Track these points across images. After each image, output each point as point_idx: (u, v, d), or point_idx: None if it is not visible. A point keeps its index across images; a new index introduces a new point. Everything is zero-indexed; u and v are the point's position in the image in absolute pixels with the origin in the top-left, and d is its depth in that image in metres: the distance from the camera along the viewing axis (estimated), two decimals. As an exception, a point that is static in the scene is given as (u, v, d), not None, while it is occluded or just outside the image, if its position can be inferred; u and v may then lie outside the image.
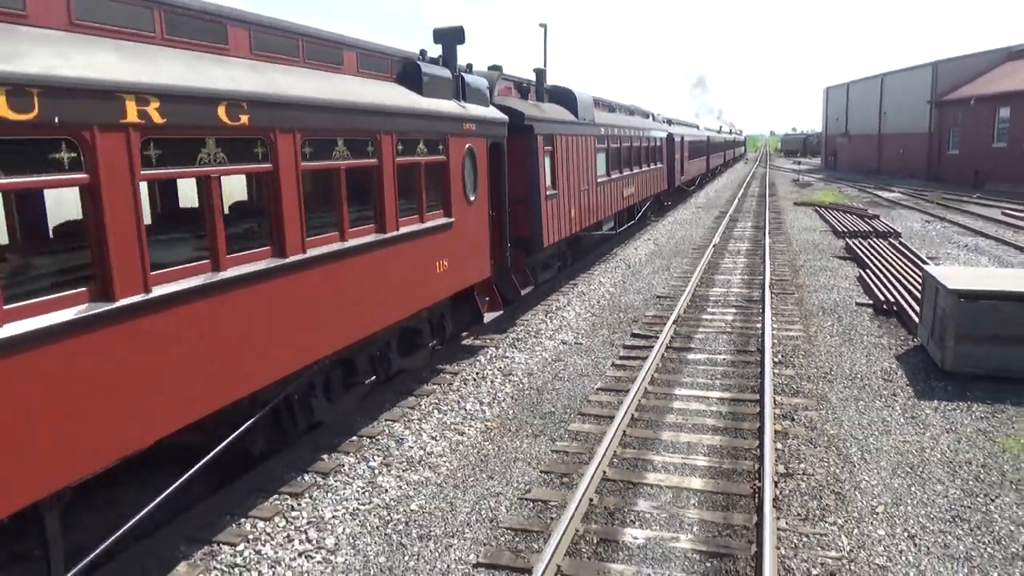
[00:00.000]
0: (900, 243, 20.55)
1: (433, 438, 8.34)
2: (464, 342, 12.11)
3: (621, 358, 11.04)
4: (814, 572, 5.48)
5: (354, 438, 8.34)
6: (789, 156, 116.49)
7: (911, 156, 54.91)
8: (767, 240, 21.80)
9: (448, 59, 10.09)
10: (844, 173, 63.33)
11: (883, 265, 16.99)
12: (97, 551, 4.96)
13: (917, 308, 12.12)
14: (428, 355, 10.17)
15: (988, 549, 5.76)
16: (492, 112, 11.14)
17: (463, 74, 10.25)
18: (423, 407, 9.30)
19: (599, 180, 18.15)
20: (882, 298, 13.69)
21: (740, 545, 5.84)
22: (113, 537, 5.09)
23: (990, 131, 44.38)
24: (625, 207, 21.98)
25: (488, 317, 11.56)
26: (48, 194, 7.45)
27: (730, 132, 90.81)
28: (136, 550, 5.81)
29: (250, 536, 6.29)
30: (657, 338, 11.67)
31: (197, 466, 5.86)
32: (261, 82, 6.09)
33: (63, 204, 6.91)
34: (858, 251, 19.35)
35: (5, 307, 4.15)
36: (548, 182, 14.02)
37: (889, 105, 60.13)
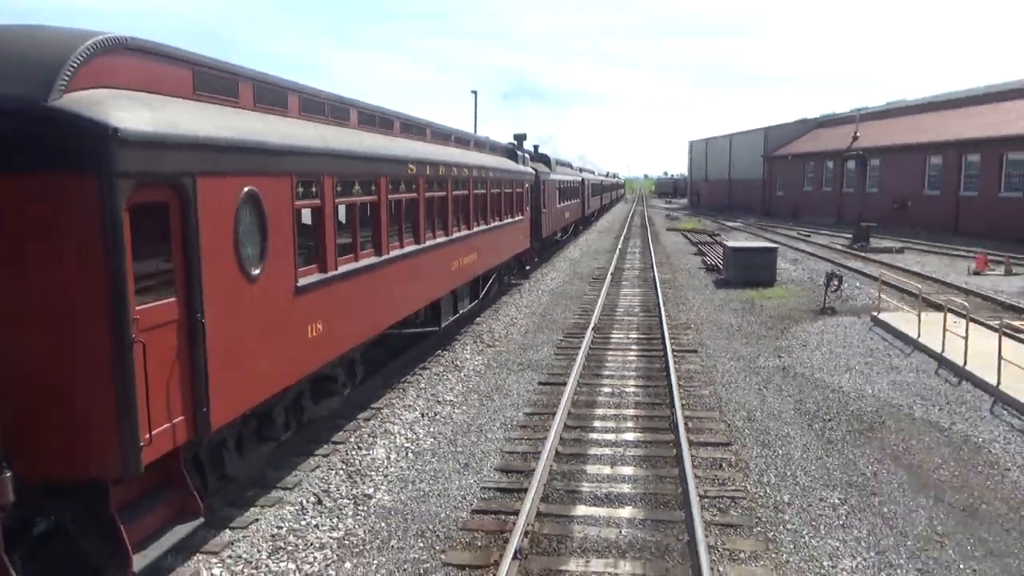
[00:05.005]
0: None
1: (530, 301, 20.78)
2: (513, 282, 24.53)
3: (590, 285, 23.85)
4: (675, 312, 18.47)
5: (502, 299, 20.65)
6: (663, 197, 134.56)
7: (751, 196, 71.85)
8: (651, 246, 35.53)
9: (519, 145, 22.77)
10: (705, 209, 79.99)
11: (714, 253, 30.88)
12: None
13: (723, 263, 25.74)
14: (510, 277, 22.61)
15: (726, 314, 18.89)
16: (530, 170, 23.85)
17: (526, 153, 22.91)
18: (516, 295, 21.68)
19: (558, 206, 31.16)
20: (710, 263, 27.38)
21: (652, 308, 18.75)
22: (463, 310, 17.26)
23: (801, 179, 61.33)
24: (570, 223, 35.19)
25: (527, 270, 24.14)
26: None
27: (613, 178, 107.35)
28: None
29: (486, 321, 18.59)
30: (606, 278, 24.57)
31: (483, 290, 18.09)
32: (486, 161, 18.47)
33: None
34: (703, 250, 33.30)
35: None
36: (544, 204, 26.79)
37: (735, 157, 77.43)
